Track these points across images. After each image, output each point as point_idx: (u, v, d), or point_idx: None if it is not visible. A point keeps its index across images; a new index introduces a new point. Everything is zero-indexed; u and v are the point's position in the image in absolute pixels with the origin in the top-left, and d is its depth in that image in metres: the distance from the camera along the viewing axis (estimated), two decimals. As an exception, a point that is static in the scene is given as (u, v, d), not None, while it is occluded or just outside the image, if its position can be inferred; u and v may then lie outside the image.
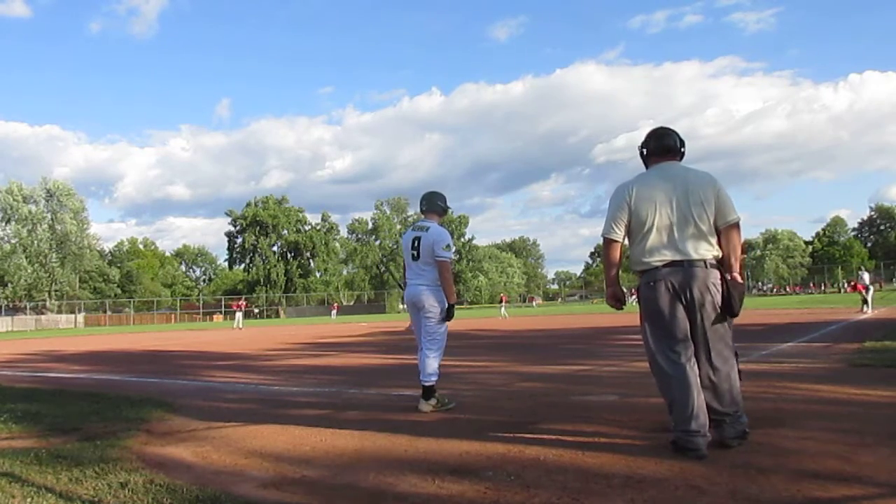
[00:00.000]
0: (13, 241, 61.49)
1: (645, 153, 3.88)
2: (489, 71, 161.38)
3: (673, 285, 3.56)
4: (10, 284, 60.15)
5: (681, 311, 3.56)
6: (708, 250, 3.60)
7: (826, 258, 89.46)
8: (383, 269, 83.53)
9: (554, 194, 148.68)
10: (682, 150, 3.84)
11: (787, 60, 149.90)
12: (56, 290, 63.49)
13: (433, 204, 5.40)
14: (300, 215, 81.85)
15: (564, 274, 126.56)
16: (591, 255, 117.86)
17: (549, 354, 10.42)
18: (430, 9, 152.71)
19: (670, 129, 3.86)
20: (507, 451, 3.71)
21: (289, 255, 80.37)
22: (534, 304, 77.45)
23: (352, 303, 76.79)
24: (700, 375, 3.55)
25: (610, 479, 3.09)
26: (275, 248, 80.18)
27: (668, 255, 3.58)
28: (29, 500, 3.00)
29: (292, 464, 3.62)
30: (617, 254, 3.83)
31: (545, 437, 4.01)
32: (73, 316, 57.69)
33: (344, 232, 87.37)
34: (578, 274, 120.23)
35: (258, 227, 77.92)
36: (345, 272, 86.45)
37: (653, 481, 3.02)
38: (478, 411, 5.17)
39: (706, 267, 3.57)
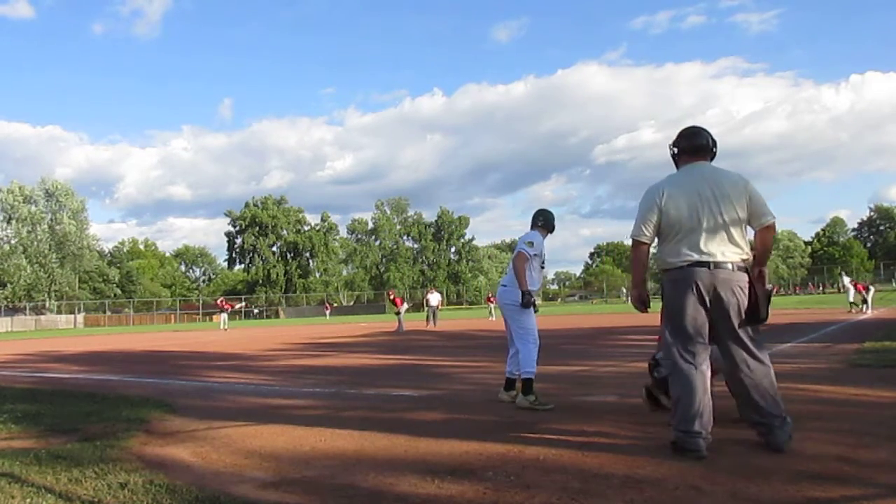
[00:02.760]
0: (13, 242, 61.46)
1: (676, 152, 3.84)
2: (491, 71, 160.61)
3: (698, 286, 3.53)
4: (9, 285, 60.10)
5: (702, 313, 3.54)
6: (736, 253, 3.57)
7: (826, 258, 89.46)
8: (383, 269, 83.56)
9: (555, 195, 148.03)
10: (714, 149, 3.80)
11: (788, 61, 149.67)
12: (56, 291, 63.42)
13: (534, 218, 5.68)
14: (299, 215, 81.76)
15: (564, 274, 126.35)
16: (591, 255, 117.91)
17: (549, 354, 10.40)
18: (431, 10, 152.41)
19: (701, 128, 3.82)
20: (507, 451, 3.71)
21: (288, 256, 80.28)
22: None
23: (351, 303, 76.72)
24: (737, 378, 3.54)
25: (609, 479, 3.09)
26: (274, 249, 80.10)
27: (695, 256, 3.55)
28: (29, 500, 3.00)
29: (292, 464, 3.62)
30: (645, 255, 3.80)
31: (545, 437, 4.01)
32: (72, 316, 57.60)
33: (344, 232, 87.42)
34: (578, 274, 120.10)
35: (257, 228, 77.84)
36: (344, 272, 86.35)
37: (652, 481, 3.02)
38: (478, 411, 5.17)
39: (733, 269, 3.55)
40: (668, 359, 3.67)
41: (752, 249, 3.71)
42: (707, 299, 3.52)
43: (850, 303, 22.02)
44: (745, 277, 3.58)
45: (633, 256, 3.83)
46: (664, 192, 3.67)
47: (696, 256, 3.55)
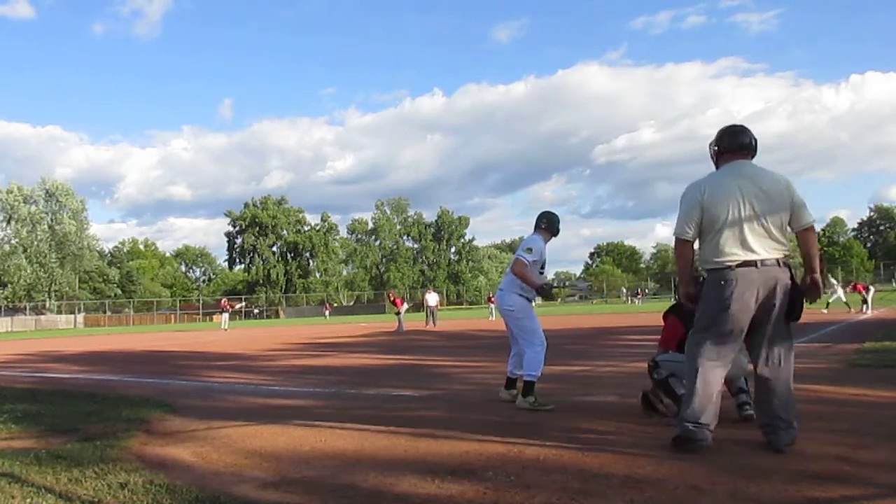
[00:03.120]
0: (13, 242, 61.47)
1: (717, 150, 3.81)
2: (491, 71, 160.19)
3: (745, 286, 3.50)
4: (9, 285, 60.10)
5: (742, 315, 3.52)
6: (778, 249, 3.56)
7: (826, 258, 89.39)
8: (383, 269, 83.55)
9: (555, 195, 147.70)
10: (756, 148, 3.77)
11: (789, 61, 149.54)
12: (56, 291, 63.43)
13: (537, 220, 5.61)
14: (299, 215, 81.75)
15: (564, 274, 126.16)
16: (591, 255, 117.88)
17: (549, 355, 10.39)
18: (432, 10, 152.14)
19: (744, 127, 3.80)
20: (507, 451, 3.71)
21: (288, 256, 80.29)
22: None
23: (351, 303, 76.71)
24: (760, 376, 3.56)
25: (609, 479, 3.09)
26: (274, 249, 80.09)
27: (741, 255, 3.53)
28: (29, 500, 3.00)
29: (292, 464, 3.62)
30: (689, 253, 3.78)
31: (545, 437, 4.01)
32: (72, 316, 57.60)
33: (344, 232, 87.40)
34: (578, 274, 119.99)
35: (257, 228, 77.84)
36: (344, 272, 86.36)
37: (652, 481, 3.02)
38: (478, 411, 5.17)
39: (779, 266, 3.55)
40: (693, 350, 3.65)
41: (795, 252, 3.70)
42: (753, 299, 3.51)
43: (829, 303, 21.88)
44: (789, 274, 3.58)
45: (678, 254, 3.80)
46: (706, 190, 3.65)
47: (741, 255, 3.53)
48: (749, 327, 3.57)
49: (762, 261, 3.52)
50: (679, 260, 3.82)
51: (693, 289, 3.85)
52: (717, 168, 3.82)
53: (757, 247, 3.53)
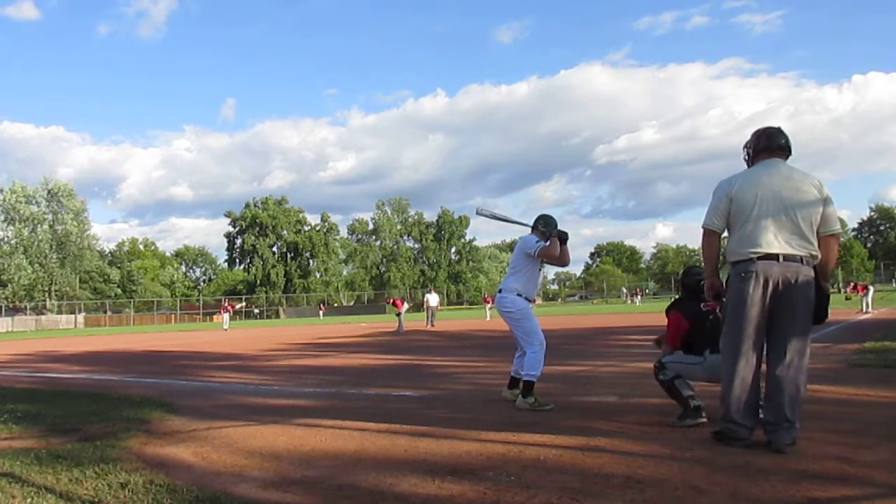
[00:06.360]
0: (13, 242, 61.50)
1: (752, 152, 3.83)
2: (494, 72, 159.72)
3: (765, 278, 3.52)
4: (10, 285, 60.14)
5: (764, 307, 3.54)
6: (804, 247, 3.57)
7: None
8: (383, 269, 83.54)
9: (556, 195, 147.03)
10: (790, 149, 3.79)
11: (791, 62, 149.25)
12: (56, 291, 63.47)
13: (535, 222, 5.65)
14: (300, 216, 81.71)
15: (564, 274, 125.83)
16: (591, 255, 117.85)
17: (549, 354, 10.38)
18: (435, 11, 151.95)
19: (780, 129, 3.82)
20: (507, 451, 3.71)
21: (288, 256, 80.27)
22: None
23: (352, 303, 76.68)
24: (772, 373, 3.56)
25: (610, 479, 3.10)
26: (274, 249, 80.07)
27: (765, 248, 3.55)
28: (29, 500, 3.00)
29: (292, 464, 3.63)
30: (715, 244, 3.80)
31: (545, 437, 4.01)
32: (73, 316, 57.59)
33: (344, 232, 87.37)
34: (578, 274, 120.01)
35: (257, 228, 77.82)
36: (345, 272, 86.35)
37: (653, 481, 3.02)
38: (478, 411, 5.18)
39: (802, 263, 3.55)
40: (725, 348, 3.68)
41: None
42: (774, 292, 3.52)
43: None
44: (812, 273, 3.58)
45: (705, 246, 3.82)
46: (737, 183, 3.69)
47: (764, 248, 3.55)
48: (768, 323, 3.58)
49: (784, 255, 3.53)
50: (705, 250, 3.85)
51: (718, 280, 3.87)
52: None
53: (782, 241, 3.54)
